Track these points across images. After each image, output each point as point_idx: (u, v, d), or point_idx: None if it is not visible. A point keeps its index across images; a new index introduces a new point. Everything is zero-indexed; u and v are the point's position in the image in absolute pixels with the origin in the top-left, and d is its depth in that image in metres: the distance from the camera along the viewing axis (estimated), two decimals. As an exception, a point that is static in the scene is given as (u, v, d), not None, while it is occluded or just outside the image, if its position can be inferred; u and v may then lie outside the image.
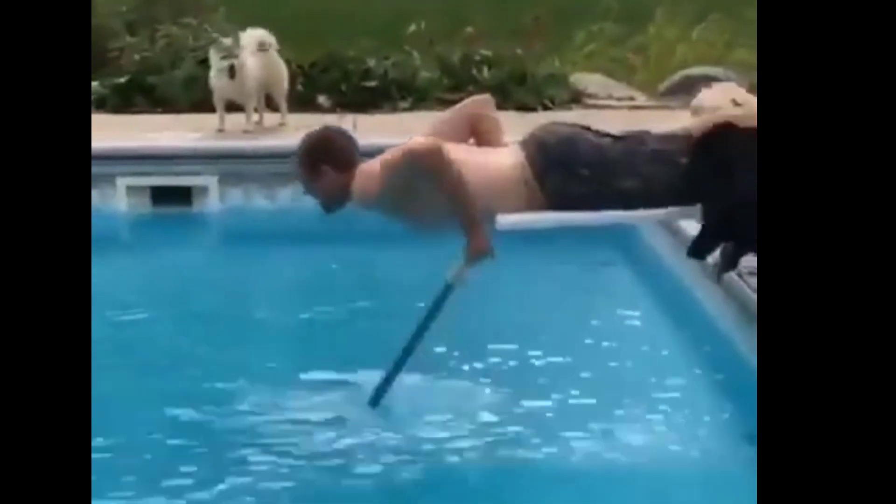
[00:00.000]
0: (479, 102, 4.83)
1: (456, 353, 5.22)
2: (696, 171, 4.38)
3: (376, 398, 4.68)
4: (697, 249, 4.51)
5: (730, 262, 4.49)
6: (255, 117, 8.63)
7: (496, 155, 4.57)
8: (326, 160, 4.56)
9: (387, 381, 4.68)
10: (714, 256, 4.65)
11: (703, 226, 4.41)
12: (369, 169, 4.56)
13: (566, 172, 4.49)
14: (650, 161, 4.52)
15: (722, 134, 4.30)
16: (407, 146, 4.40)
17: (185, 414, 4.68)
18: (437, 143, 4.44)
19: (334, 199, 4.61)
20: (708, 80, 5.93)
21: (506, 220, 4.45)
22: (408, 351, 4.64)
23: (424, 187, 4.41)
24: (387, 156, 4.47)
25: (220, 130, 8.41)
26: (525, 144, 4.61)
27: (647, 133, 4.64)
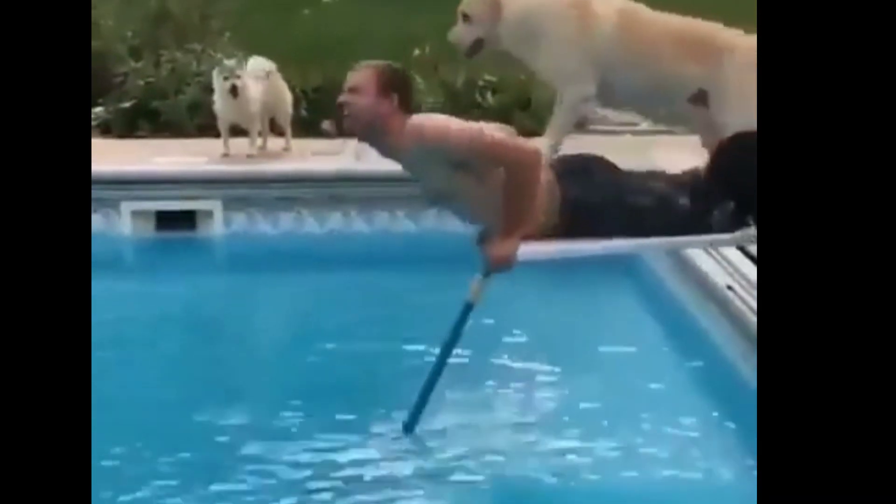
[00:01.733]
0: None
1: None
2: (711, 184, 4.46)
3: (411, 423, 4.68)
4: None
5: (727, 223, 4.49)
6: (259, 142, 8.64)
7: None
8: (400, 90, 4.57)
9: (419, 406, 4.68)
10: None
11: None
12: (449, 122, 4.59)
13: (584, 179, 4.70)
14: (666, 185, 4.76)
15: (734, 143, 4.39)
16: (521, 145, 4.54)
17: (186, 441, 4.67)
18: (540, 148, 4.59)
19: (373, 128, 4.56)
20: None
21: (524, 250, 4.52)
22: (435, 375, 4.65)
23: (493, 175, 4.47)
24: (491, 137, 4.52)
25: (225, 155, 8.42)
26: (551, 161, 4.86)
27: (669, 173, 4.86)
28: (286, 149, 8.72)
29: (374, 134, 4.59)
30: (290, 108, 8.78)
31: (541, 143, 4.83)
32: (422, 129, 4.52)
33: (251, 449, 4.59)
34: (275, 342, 6.29)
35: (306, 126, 9.35)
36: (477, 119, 7.74)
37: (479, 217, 4.66)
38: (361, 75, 4.58)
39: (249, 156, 8.44)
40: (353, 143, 8.49)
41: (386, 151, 4.64)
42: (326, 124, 9.58)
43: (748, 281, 5.52)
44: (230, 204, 8.01)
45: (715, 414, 4.96)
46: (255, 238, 7.98)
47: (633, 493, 4.36)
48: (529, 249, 4.57)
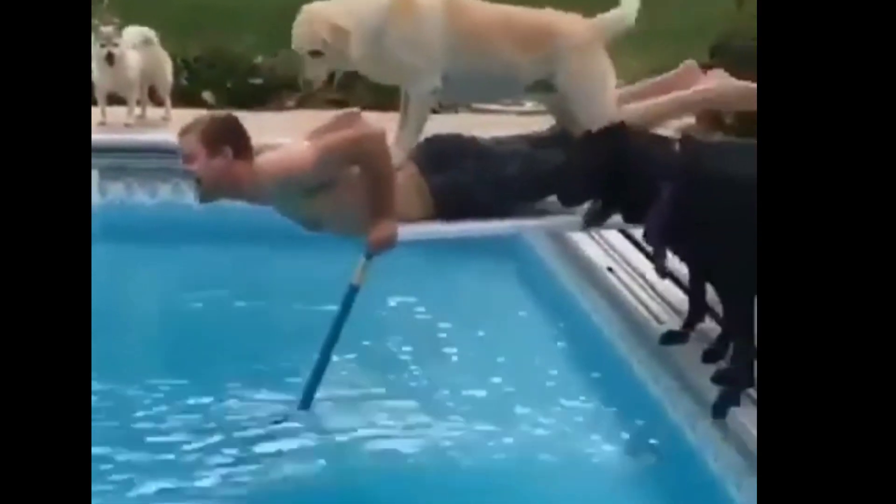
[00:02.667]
0: (348, 117, 4.85)
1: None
2: (583, 165, 4.44)
3: (306, 401, 4.71)
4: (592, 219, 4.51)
5: (595, 218, 4.48)
6: (138, 111, 8.48)
7: None
8: (230, 142, 4.48)
9: (312, 385, 4.70)
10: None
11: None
12: (283, 158, 4.52)
13: (450, 166, 4.72)
14: (532, 147, 4.84)
15: (613, 133, 4.36)
16: (354, 131, 4.51)
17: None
18: (382, 127, 4.57)
19: (220, 186, 4.50)
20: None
21: (405, 231, 4.53)
22: (325, 355, 4.68)
23: (344, 181, 4.47)
24: (324, 142, 4.49)
25: (102, 124, 8.25)
26: (412, 152, 4.84)
27: (531, 133, 4.86)
28: (165, 118, 8.57)
29: (226, 190, 4.53)
30: (170, 78, 8.64)
31: (397, 149, 4.82)
32: (268, 168, 4.49)
33: (119, 419, 4.56)
34: (150, 312, 6.20)
35: (187, 96, 9.21)
36: (360, 93, 7.72)
37: (355, 228, 4.61)
38: (187, 141, 4.48)
39: (127, 125, 8.28)
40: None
41: (248, 199, 4.60)
42: (207, 95, 9.46)
43: (628, 262, 5.57)
44: (107, 173, 7.85)
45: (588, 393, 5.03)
46: (132, 208, 7.85)
47: (505, 470, 4.41)
48: (409, 230, 4.61)
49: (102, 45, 8.06)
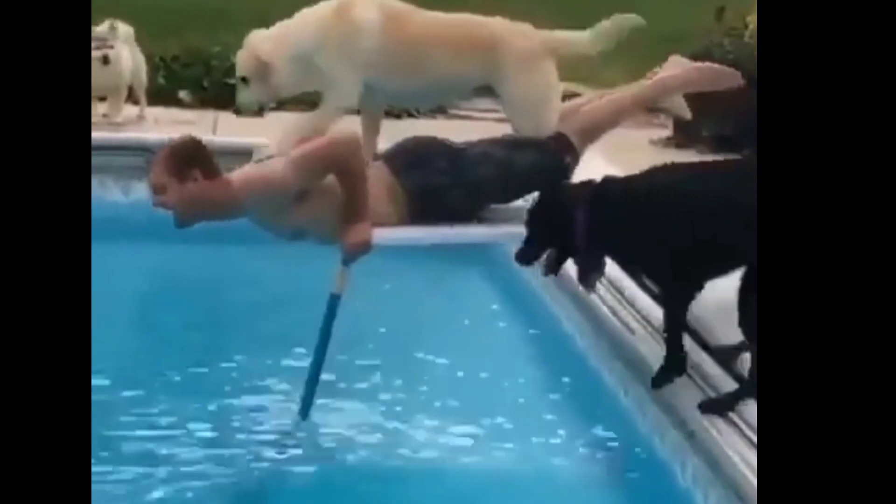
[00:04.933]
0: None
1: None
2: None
3: (304, 410, 4.73)
4: (523, 256, 4.50)
5: (553, 267, 4.49)
6: (103, 109, 8.41)
7: None
8: (197, 164, 4.41)
9: (308, 396, 4.72)
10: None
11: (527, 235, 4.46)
12: (258, 171, 4.49)
13: (423, 166, 4.73)
14: (505, 149, 4.84)
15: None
16: (327, 138, 4.50)
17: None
18: (355, 132, 4.55)
19: (196, 210, 4.42)
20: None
21: (380, 235, 4.51)
22: (316, 367, 4.69)
23: (319, 188, 4.46)
24: (299, 153, 4.46)
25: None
26: (384, 154, 4.89)
27: (504, 136, 5.00)
28: (140, 117, 8.53)
29: (205, 212, 4.46)
30: (144, 76, 8.60)
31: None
32: (246, 184, 4.44)
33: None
34: (124, 311, 6.17)
35: (163, 95, 9.18)
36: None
37: (334, 234, 4.59)
38: (155, 174, 4.40)
39: (116, 123, 8.21)
40: (209, 114, 8.38)
41: (226, 217, 4.53)
42: (184, 94, 9.43)
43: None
44: (81, 171, 7.80)
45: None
46: (106, 206, 7.79)
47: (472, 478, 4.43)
48: (384, 234, 4.60)
49: (97, 47, 8.00)
